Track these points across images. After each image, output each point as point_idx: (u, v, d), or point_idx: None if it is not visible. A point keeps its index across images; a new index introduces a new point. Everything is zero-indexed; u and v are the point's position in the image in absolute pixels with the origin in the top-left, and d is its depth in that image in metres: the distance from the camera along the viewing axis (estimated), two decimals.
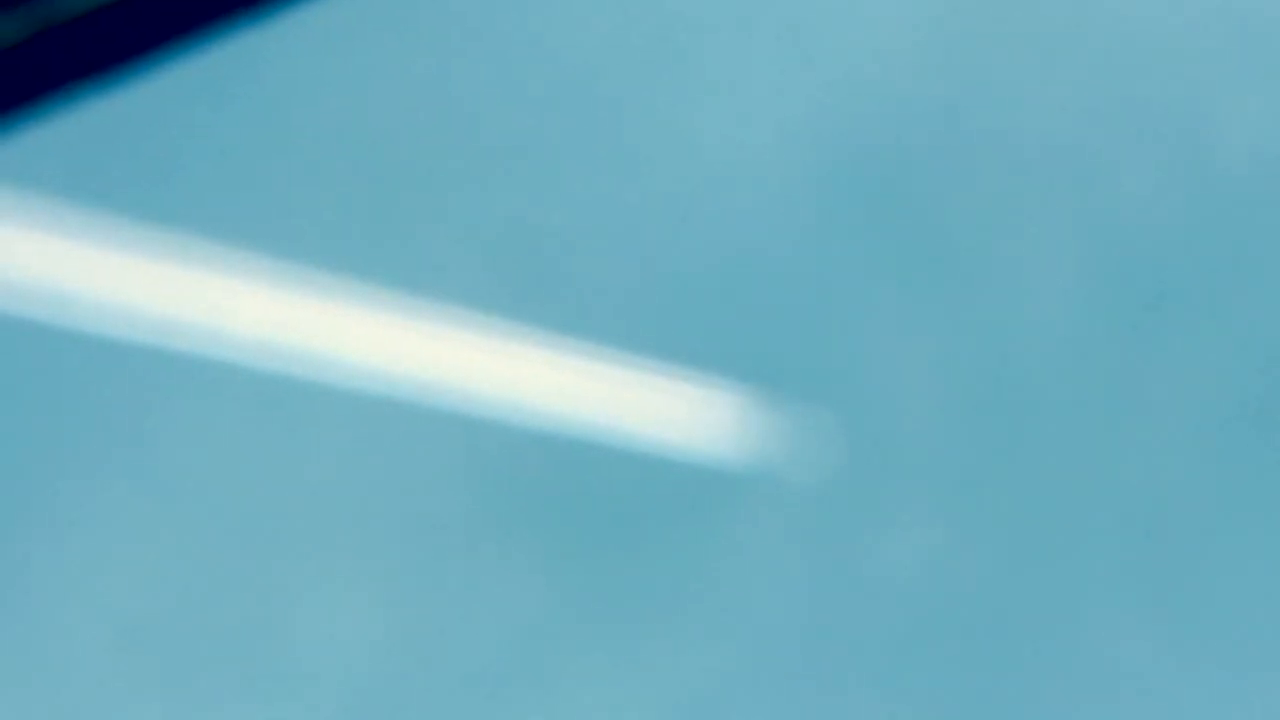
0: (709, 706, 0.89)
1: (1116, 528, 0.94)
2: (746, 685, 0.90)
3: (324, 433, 0.93)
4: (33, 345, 0.94)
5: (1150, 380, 0.96)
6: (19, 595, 0.89)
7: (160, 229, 0.97)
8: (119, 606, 0.89)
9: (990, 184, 1.00)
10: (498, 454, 0.93)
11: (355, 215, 0.98)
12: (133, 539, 0.91)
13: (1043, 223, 0.99)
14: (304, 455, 0.93)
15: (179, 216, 0.97)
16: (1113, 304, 0.98)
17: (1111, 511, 0.94)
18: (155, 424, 0.93)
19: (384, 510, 0.92)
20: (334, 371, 0.94)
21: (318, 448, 0.93)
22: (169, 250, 0.96)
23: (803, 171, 1.00)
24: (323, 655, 0.89)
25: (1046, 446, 0.95)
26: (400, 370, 0.95)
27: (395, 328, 0.95)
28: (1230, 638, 0.91)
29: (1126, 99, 1.02)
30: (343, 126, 1.00)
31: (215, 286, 0.96)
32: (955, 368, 0.96)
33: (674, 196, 0.99)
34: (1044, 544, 0.93)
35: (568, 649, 0.90)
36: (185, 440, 0.93)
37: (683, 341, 0.96)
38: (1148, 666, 0.91)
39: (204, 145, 0.99)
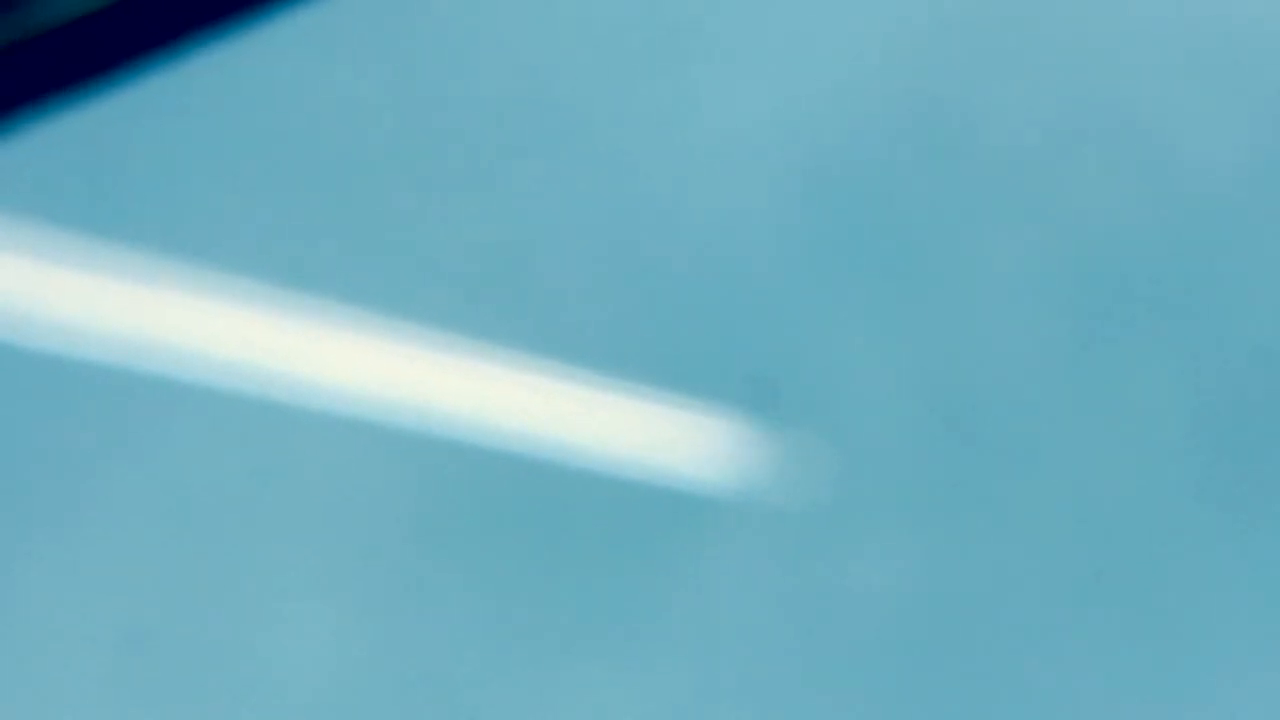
0: None
1: (1089, 539, 0.94)
2: (716, 703, 0.90)
3: (303, 452, 0.93)
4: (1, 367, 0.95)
5: (1119, 387, 0.96)
6: None
7: (125, 248, 0.97)
8: (89, 622, 0.89)
9: (961, 195, 1.00)
10: (481, 475, 0.93)
11: (332, 235, 0.98)
12: (97, 555, 0.91)
13: (1014, 232, 0.99)
14: (283, 473, 0.93)
15: (144, 235, 0.97)
16: (1082, 312, 0.98)
17: (1084, 523, 0.94)
18: (122, 443, 0.93)
19: (362, 529, 0.92)
20: (313, 393, 0.94)
21: (297, 467, 0.93)
22: (134, 269, 0.96)
23: (778, 187, 1.00)
24: (293, 671, 0.89)
25: (1019, 460, 0.95)
26: (379, 391, 0.95)
27: (374, 349, 0.95)
28: (1203, 644, 0.91)
29: (1093, 109, 1.02)
30: (318, 145, 1.00)
31: (185, 306, 0.96)
32: (930, 382, 0.96)
33: (647, 216, 0.99)
34: (1017, 558, 0.93)
35: (539, 667, 0.90)
36: (153, 458, 0.93)
37: (658, 361, 0.96)
38: (1122, 681, 0.91)
39: (171, 164, 0.99)
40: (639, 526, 0.92)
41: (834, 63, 1.03)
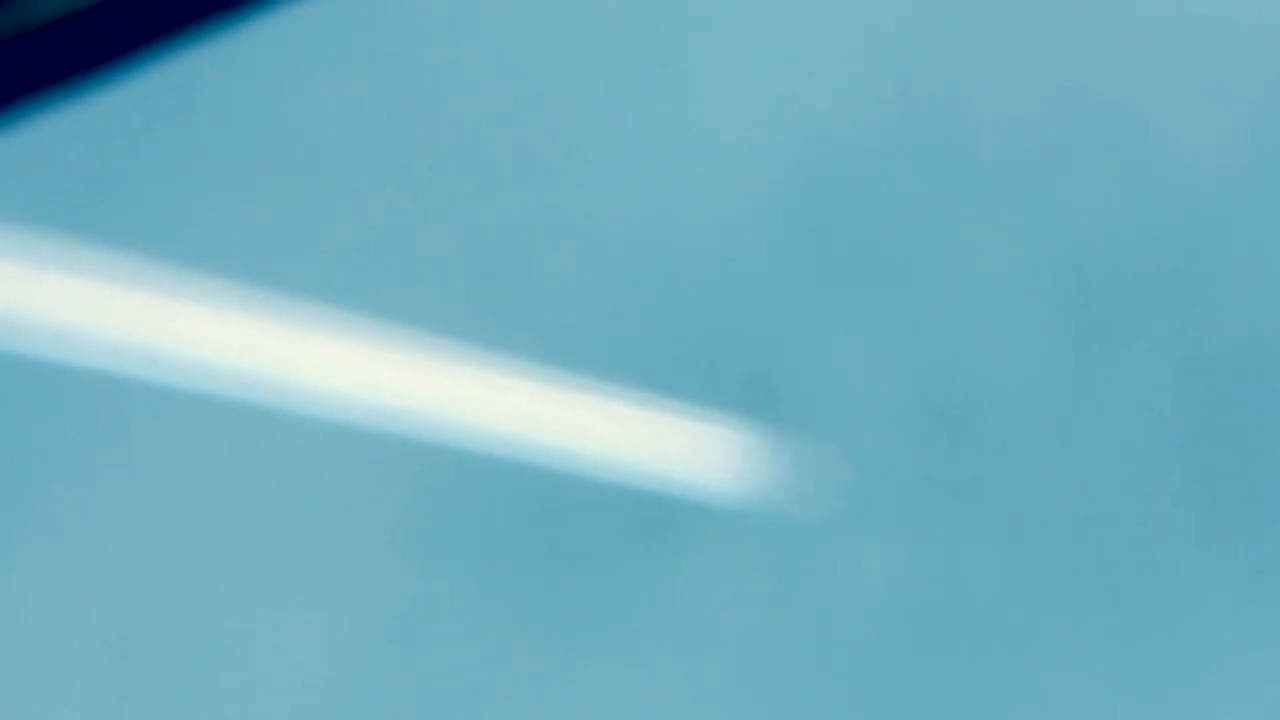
0: None
1: (1085, 540, 0.94)
2: (714, 709, 0.90)
3: (301, 458, 0.93)
4: None
5: (1114, 384, 0.96)
6: None
7: (115, 250, 0.96)
8: (73, 626, 0.89)
9: (954, 192, 1.00)
10: (480, 482, 0.93)
11: (327, 238, 0.98)
12: (87, 559, 0.90)
13: (1006, 229, 0.99)
14: (278, 479, 0.93)
15: (134, 237, 0.97)
16: (1077, 309, 0.98)
17: (1081, 524, 0.94)
18: (113, 448, 0.92)
19: (363, 535, 0.92)
20: (309, 398, 0.94)
21: (294, 473, 0.93)
22: (123, 272, 0.96)
23: (773, 188, 1.00)
24: (286, 677, 0.89)
25: (1016, 462, 0.95)
26: (378, 397, 0.94)
27: (374, 355, 0.95)
28: (1198, 642, 0.92)
29: (1080, 107, 1.02)
30: (314, 145, 0.99)
31: (175, 309, 0.95)
32: (924, 382, 0.96)
33: (644, 219, 0.99)
34: (1015, 560, 0.93)
35: (537, 675, 0.90)
36: (144, 464, 0.92)
37: (653, 365, 0.96)
38: (1115, 686, 0.91)
39: (155, 164, 0.99)
40: (635, 532, 0.92)
41: (826, 61, 1.02)
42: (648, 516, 0.92)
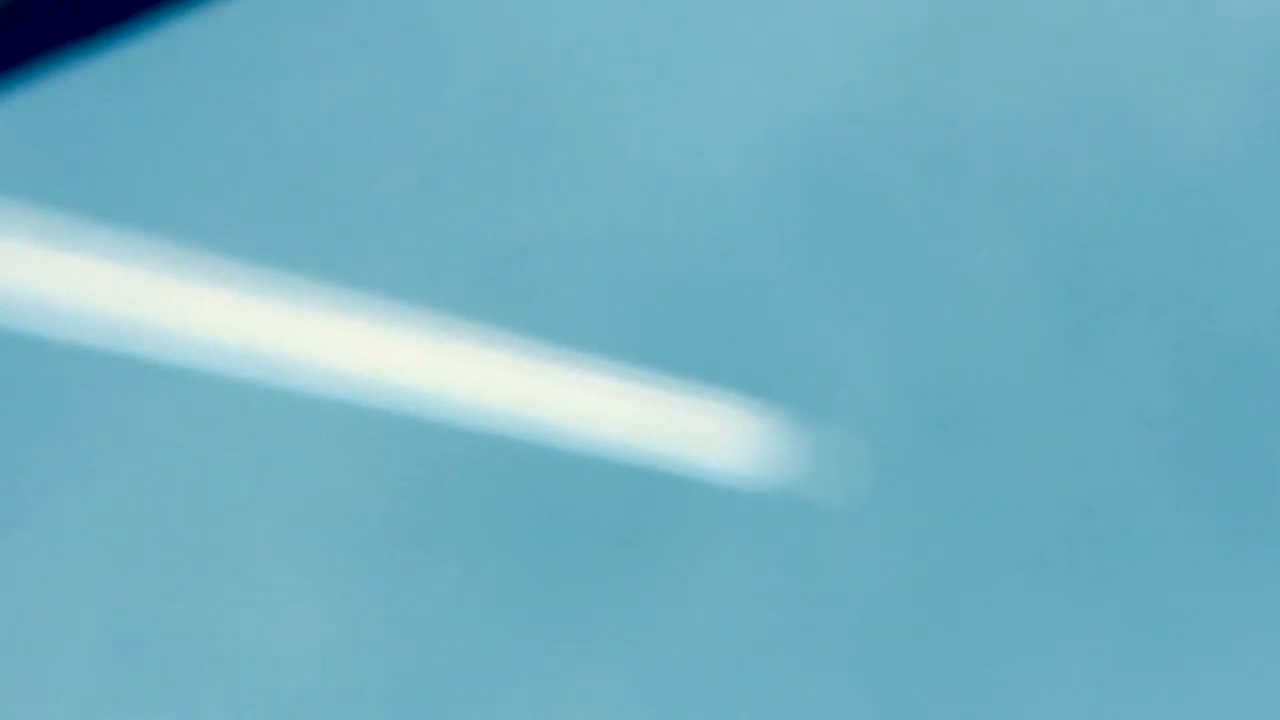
0: (675, 710, 0.90)
1: (1080, 533, 0.94)
2: (714, 693, 0.90)
3: (299, 436, 0.93)
4: None
5: (1102, 375, 0.97)
6: None
7: (103, 226, 0.95)
8: (65, 609, 0.88)
9: (949, 188, 1.00)
10: (492, 464, 0.93)
11: (327, 216, 0.97)
12: (74, 542, 0.90)
13: (1000, 224, 1.00)
14: (274, 458, 0.92)
15: (122, 213, 0.96)
16: (1072, 304, 0.98)
17: (1075, 518, 0.95)
18: (99, 427, 0.92)
19: (366, 517, 0.92)
20: (305, 375, 0.93)
21: (308, 455, 0.92)
22: (119, 250, 0.95)
23: (767, 177, 1.00)
24: (278, 658, 0.88)
25: (1010, 453, 0.95)
26: (385, 378, 0.94)
27: (380, 335, 0.95)
28: (1193, 638, 0.92)
29: (1073, 99, 1.03)
30: (308, 122, 0.99)
31: (165, 286, 0.94)
32: (920, 376, 0.96)
33: (639, 207, 0.99)
34: (1008, 553, 0.94)
35: (536, 660, 0.90)
36: (136, 442, 0.92)
37: (656, 348, 0.96)
38: (1113, 677, 0.92)
39: (147, 138, 0.98)
40: (633, 513, 0.92)
41: (822, 56, 1.03)
42: (639, 511, 0.92)
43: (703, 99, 1.01)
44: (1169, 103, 1.03)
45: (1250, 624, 0.93)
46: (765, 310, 0.97)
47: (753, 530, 0.93)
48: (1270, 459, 0.96)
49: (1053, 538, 0.94)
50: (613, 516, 0.92)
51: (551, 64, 1.01)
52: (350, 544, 0.90)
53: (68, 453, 0.90)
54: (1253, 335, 0.99)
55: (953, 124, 1.01)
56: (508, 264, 0.96)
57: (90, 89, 0.98)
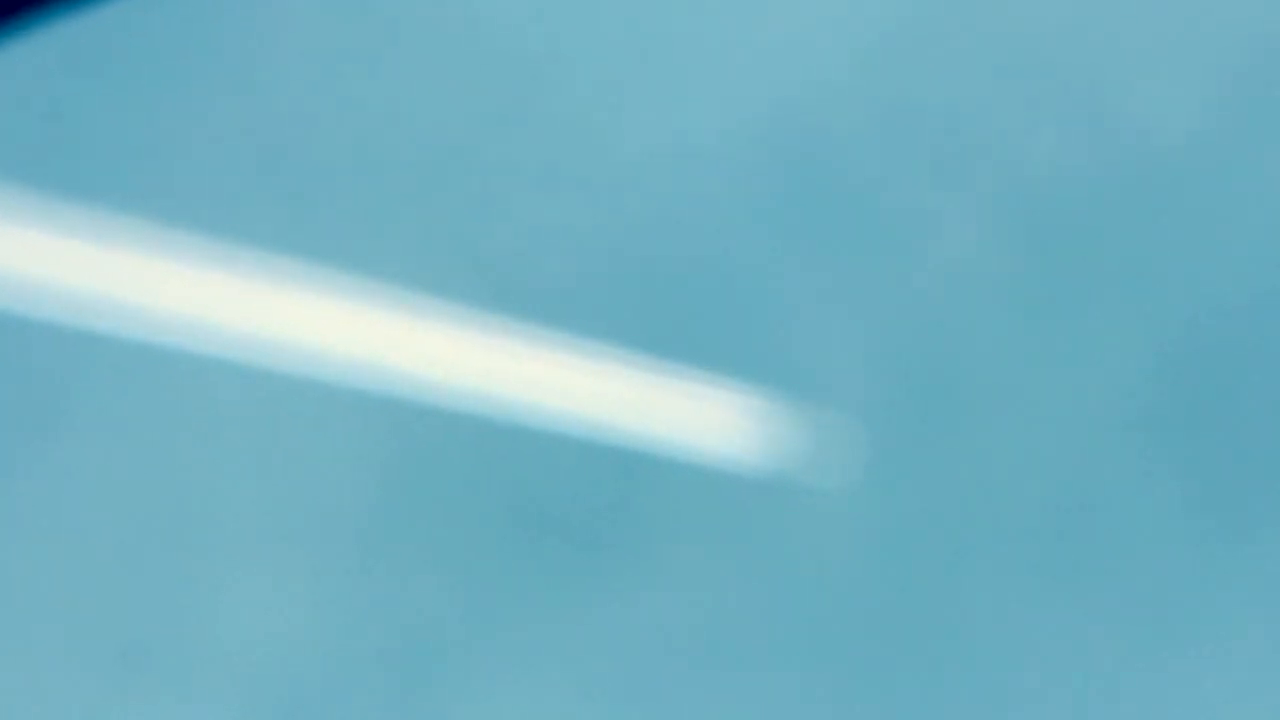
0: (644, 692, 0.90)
1: (1051, 505, 0.95)
2: (695, 675, 0.90)
3: (295, 421, 0.92)
4: None
5: (1080, 354, 0.97)
6: None
7: (75, 202, 0.95)
8: (36, 593, 0.88)
9: (923, 169, 1.00)
10: (474, 447, 0.93)
11: (330, 202, 0.97)
12: (47, 517, 0.89)
13: (974, 205, 1.00)
14: (271, 443, 0.92)
15: (95, 189, 0.95)
16: (1039, 275, 0.99)
17: (1047, 490, 0.95)
18: (71, 408, 0.91)
19: (358, 500, 0.92)
20: (300, 360, 0.93)
21: (290, 436, 0.92)
22: (86, 225, 0.94)
23: (750, 161, 1.00)
24: (248, 640, 0.88)
25: (990, 435, 0.96)
26: (378, 362, 0.94)
27: (367, 317, 0.94)
28: (1159, 615, 0.93)
29: (1047, 81, 1.03)
30: (284, 97, 0.98)
31: (139, 263, 0.94)
32: (899, 355, 0.97)
33: (618, 190, 0.99)
34: (988, 534, 0.94)
35: (521, 642, 0.90)
36: (108, 420, 0.91)
37: (642, 331, 0.96)
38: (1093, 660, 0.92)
39: (128, 114, 0.97)
40: (615, 496, 0.93)
41: (802, 41, 1.02)
42: (621, 494, 0.93)
43: (686, 83, 1.01)
44: (1141, 83, 1.03)
45: (1221, 596, 0.93)
46: (747, 293, 0.97)
47: (734, 511, 0.93)
48: (1245, 437, 0.97)
49: (1036, 520, 0.94)
50: (595, 499, 0.92)
51: (534, 48, 1.01)
52: (334, 528, 0.90)
53: (43, 432, 0.90)
54: (1228, 315, 0.99)
55: (930, 108, 1.01)
56: (491, 247, 0.96)
57: (67, 62, 0.98)
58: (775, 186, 0.99)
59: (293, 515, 0.90)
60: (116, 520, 0.90)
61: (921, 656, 0.92)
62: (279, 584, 0.89)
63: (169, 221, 0.94)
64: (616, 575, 0.91)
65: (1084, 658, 0.92)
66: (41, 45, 0.97)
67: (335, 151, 0.98)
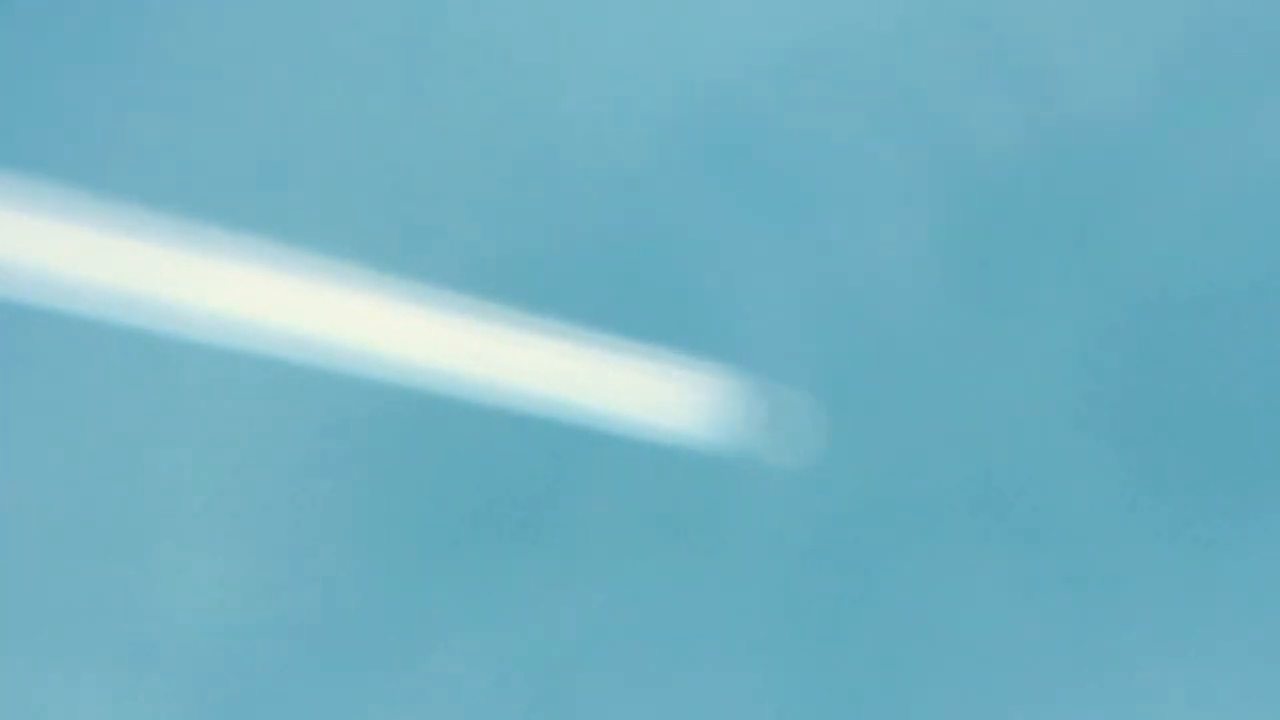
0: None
1: (988, 481, 0.95)
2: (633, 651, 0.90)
3: (238, 395, 0.93)
4: None
5: (1019, 321, 0.97)
6: None
7: (38, 182, 0.95)
8: None
9: (860, 136, 1.00)
10: (416, 421, 0.93)
11: (249, 165, 0.97)
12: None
13: (912, 173, 1.00)
14: (213, 417, 0.92)
15: (43, 164, 0.95)
16: (985, 251, 0.98)
17: (984, 467, 0.95)
18: (20, 379, 0.91)
19: (297, 475, 0.92)
20: (244, 334, 0.93)
21: (233, 410, 0.92)
22: (36, 200, 0.95)
23: (688, 131, 1.00)
24: (183, 614, 0.88)
25: (929, 405, 0.96)
26: (321, 336, 0.94)
27: (309, 291, 0.95)
28: (1104, 580, 0.93)
29: (988, 47, 1.02)
30: (219, 63, 0.98)
31: (86, 238, 0.94)
32: (839, 325, 0.97)
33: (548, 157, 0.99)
34: (934, 504, 0.94)
35: (449, 615, 0.90)
36: (51, 395, 0.92)
37: (584, 304, 0.96)
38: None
39: (69, 85, 0.97)
40: (554, 469, 0.93)
41: (738, 8, 1.02)
42: (559, 468, 0.93)
43: (634, 58, 1.01)
44: (1083, 50, 1.03)
45: (1177, 565, 0.93)
46: (704, 270, 0.97)
47: (690, 488, 0.93)
48: (1183, 404, 0.96)
49: (992, 496, 0.94)
50: (549, 477, 0.92)
51: (479, 13, 1.01)
52: (287, 505, 0.91)
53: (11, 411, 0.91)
54: (1169, 280, 0.99)
55: (869, 74, 1.01)
56: (442, 225, 0.96)
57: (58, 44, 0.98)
58: (732, 163, 0.99)
59: (240, 491, 0.91)
60: (72, 501, 0.90)
61: (878, 634, 0.91)
62: (222, 563, 0.89)
63: (145, 203, 0.94)
64: (571, 552, 0.91)
65: (1042, 631, 0.92)
66: (38, 29, 0.98)
67: (277, 119, 0.98)
